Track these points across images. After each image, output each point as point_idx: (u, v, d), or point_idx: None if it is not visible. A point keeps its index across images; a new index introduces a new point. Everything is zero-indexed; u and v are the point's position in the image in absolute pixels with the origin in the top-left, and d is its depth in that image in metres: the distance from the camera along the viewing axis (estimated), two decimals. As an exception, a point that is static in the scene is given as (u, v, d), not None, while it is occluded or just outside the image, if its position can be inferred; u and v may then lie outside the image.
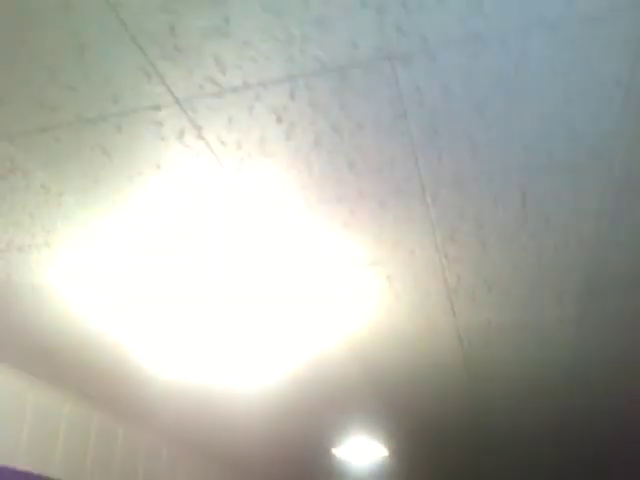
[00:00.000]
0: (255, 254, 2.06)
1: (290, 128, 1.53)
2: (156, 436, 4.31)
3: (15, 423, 3.10)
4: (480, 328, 2.63)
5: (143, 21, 1.25)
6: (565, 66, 1.37)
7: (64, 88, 1.42)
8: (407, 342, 2.76)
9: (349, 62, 1.35)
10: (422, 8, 1.23)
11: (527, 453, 4.79)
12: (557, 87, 1.43)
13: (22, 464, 3.11)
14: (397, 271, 2.22)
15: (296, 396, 3.48)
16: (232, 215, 1.86)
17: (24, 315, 2.52)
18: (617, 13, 1.25)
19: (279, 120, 1.51)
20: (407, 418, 3.92)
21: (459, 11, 1.23)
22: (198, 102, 1.46)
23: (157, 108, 1.48)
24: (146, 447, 4.21)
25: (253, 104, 1.46)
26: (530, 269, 2.17)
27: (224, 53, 1.33)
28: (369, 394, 3.41)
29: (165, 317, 1.98)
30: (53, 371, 3.12)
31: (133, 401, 3.52)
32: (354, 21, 1.25)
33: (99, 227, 1.93)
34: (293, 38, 1.29)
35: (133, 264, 2.10)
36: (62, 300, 2.38)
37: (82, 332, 2.62)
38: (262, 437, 4.46)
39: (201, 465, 4.92)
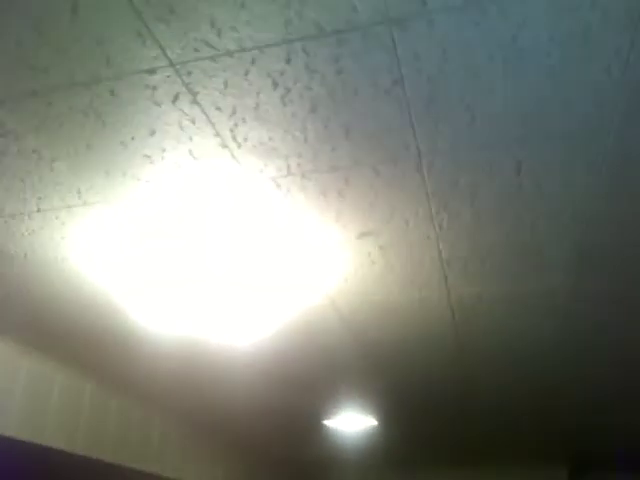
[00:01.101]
0: (248, 220, 2.05)
1: (286, 93, 1.51)
2: (149, 406, 4.34)
3: (6, 392, 3.10)
4: (472, 299, 2.64)
5: (137, -19, 1.22)
6: (564, 34, 1.36)
7: (55, 50, 1.40)
8: (399, 313, 2.77)
9: (347, 26, 1.33)
10: (422, -29, 1.21)
11: (513, 421, 4.86)
12: (555, 56, 1.41)
13: (14, 433, 3.12)
14: (391, 241, 2.21)
15: (286, 367, 3.50)
16: (226, 180, 1.85)
17: (17, 283, 2.51)
18: (618, -21, 1.23)
19: (275, 85, 1.49)
20: (397, 388, 3.95)
21: (459, -26, 1.22)
22: (193, 66, 1.43)
23: (151, 72, 1.45)
24: (139, 417, 4.24)
25: (249, 68, 1.44)
26: (523, 239, 2.18)
27: (220, 15, 1.30)
28: (360, 364, 3.43)
29: (157, 279, 1.98)
30: (45, 340, 3.12)
31: (126, 370, 3.54)
32: (353, -17, 1.23)
33: (91, 194, 1.91)
34: (290, 1, 1.26)
35: (126, 229, 2.09)
36: (54, 267, 2.37)
37: (75, 299, 2.61)
38: (253, 408, 4.50)
39: (193, 435, 4.97)
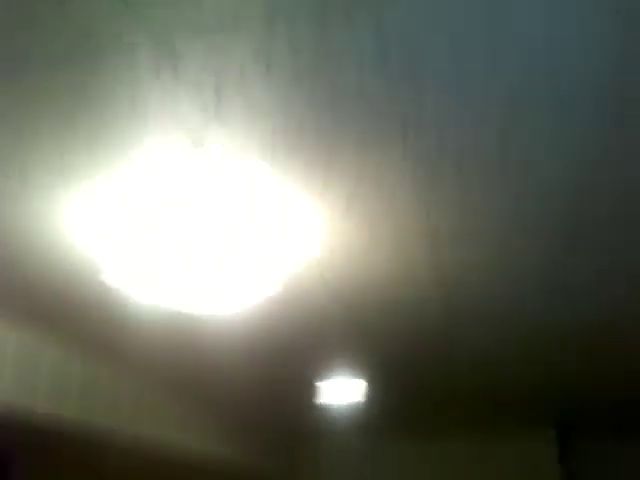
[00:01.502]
0: (234, 190, 2.04)
1: (269, 67, 1.50)
2: (139, 376, 4.37)
3: None
4: (458, 267, 2.66)
5: (115, -52, 1.20)
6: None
7: (34, 24, 1.37)
8: (385, 282, 2.79)
9: (330, -5, 1.31)
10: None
11: (500, 385, 4.95)
12: (540, 18, 1.40)
13: (4, 401, 3.12)
14: (377, 210, 2.22)
15: (272, 334, 3.53)
16: (211, 152, 1.83)
17: (3, 256, 2.50)
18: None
19: (257, 59, 1.47)
20: (383, 354, 4.00)
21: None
22: (175, 40, 1.41)
23: (132, 46, 1.43)
24: (130, 389, 4.27)
25: (231, 42, 1.42)
26: (510, 207, 2.19)
27: (201, -16, 1.28)
28: (348, 331, 3.46)
29: (143, 250, 1.98)
30: (33, 311, 3.12)
31: (115, 341, 3.55)
32: (336, -49, 1.21)
33: (75, 169, 1.90)
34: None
35: (111, 202, 2.07)
36: (41, 240, 2.36)
37: (63, 269, 2.61)
38: (240, 376, 4.55)
39: (182, 404, 5.02)
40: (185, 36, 1.40)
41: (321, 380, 4.67)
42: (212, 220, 2.10)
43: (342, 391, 4.93)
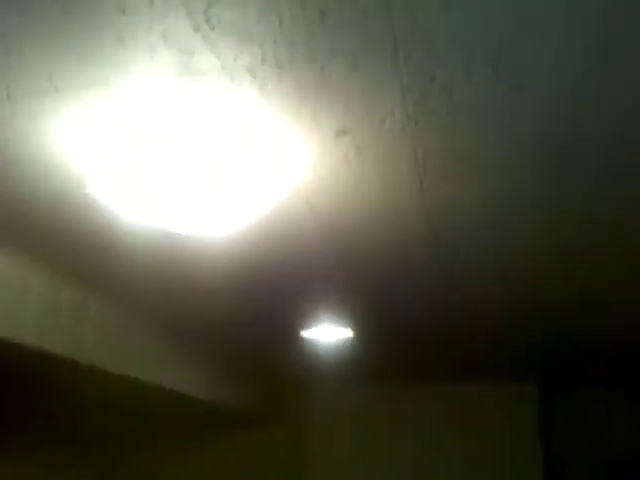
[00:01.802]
0: (223, 111, 2.03)
1: (260, -30, 1.48)
2: (128, 310, 4.40)
3: None
4: (448, 204, 2.67)
5: None
6: None
7: None
8: (375, 217, 2.80)
9: None
10: None
11: (489, 334, 5.01)
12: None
13: None
14: (367, 142, 2.21)
15: (262, 273, 3.55)
16: (200, 68, 1.82)
17: (-11, 177, 2.49)
18: None
19: (249, -39, 1.45)
20: (373, 297, 4.04)
21: None
22: (163, -64, 1.38)
23: (120, -59, 1.40)
24: (119, 325, 4.29)
25: (221, -59, 1.39)
26: (502, 140, 2.18)
27: None
28: (335, 271, 3.49)
29: (132, 170, 1.98)
30: (19, 237, 3.12)
31: (104, 268, 3.56)
32: None
33: (63, 79, 1.88)
34: None
35: (99, 118, 2.06)
36: (27, 161, 2.34)
37: (48, 194, 2.60)
38: (230, 317, 4.59)
39: (172, 343, 5.07)
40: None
41: (311, 324, 4.72)
42: (201, 145, 2.09)
43: (332, 335, 4.99)
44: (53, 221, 2.87)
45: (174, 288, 3.87)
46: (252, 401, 6.74)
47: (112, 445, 7.10)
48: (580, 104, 1.98)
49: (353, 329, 4.86)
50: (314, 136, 2.16)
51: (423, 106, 2.00)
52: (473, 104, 1.98)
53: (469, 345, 5.40)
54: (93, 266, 3.49)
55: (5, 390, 5.33)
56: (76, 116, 2.06)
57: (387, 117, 2.07)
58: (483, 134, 2.16)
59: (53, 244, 3.18)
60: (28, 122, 2.10)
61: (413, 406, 6.98)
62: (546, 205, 2.67)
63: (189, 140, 2.12)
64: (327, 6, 1.58)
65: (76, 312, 3.82)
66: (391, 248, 3.14)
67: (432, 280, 3.62)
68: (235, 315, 4.54)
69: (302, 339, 5.17)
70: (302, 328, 4.84)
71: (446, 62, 1.79)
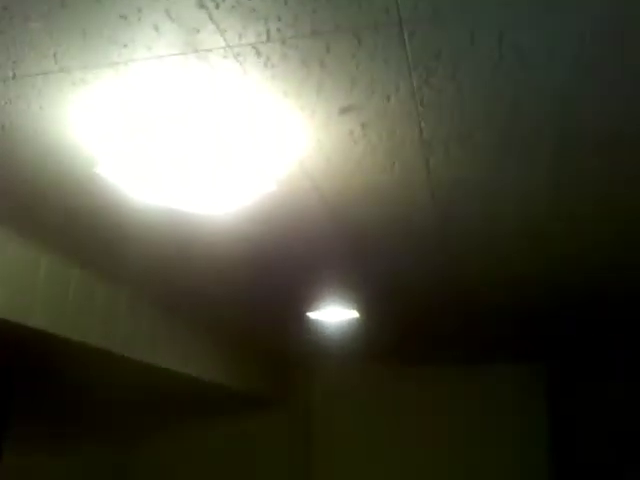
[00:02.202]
0: (228, 89, 2.03)
1: (264, -55, 1.47)
2: (136, 292, 4.42)
3: None
4: (453, 183, 2.67)
5: None
6: None
7: None
8: (380, 196, 2.80)
9: None
10: None
11: (495, 313, 5.03)
12: None
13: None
14: (372, 119, 2.21)
15: (268, 254, 3.57)
16: (205, 46, 1.81)
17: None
18: None
19: None
20: (379, 277, 4.05)
21: None
22: None
23: None
24: (126, 307, 4.31)
25: None
26: (506, 117, 2.18)
27: None
28: (340, 250, 3.50)
29: (138, 150, 1.98)
30: (27, 219, 3.14)
31: (111, 251, 3.58)
32: None
33: (68, 58, 1.88)
34: None
35: (105, 98, 2.06)
36: (33, 141, 2.35)
37: (56, 174, 2.61)
38: (236, 299, 4.61)
39: (180, 325, 5.10)
40: None
41: (316, 305, 4.75)
42: (205, 123, 2.09)
43: (337, 315, 5.01)
44: (58, 201, 2.88)
45: (181, 269, 3.89)
46: (258, 382, 6.80)
47: (118, 430, 7.16)
48: (584, 81, 1.97)
49: (359, 310, 4.88)
50: (319, 114, 2.16)
51: (428, 83, 2.00)
52: (478, 81, 1.98)
53: (475, 324, 5.41)
54: (100, 248, 3.50)
55: (22, 377, 5.39)
56: (82, 96, 2.06)
57: (392, 94, 2.07)
58: (488, 111, 2.15)
59: (58, 225, 3.19)
60: (34, 103, 2.11)
61: (418, 385, 7.02)
62: (551, 180, 2.67)
63: (193, 118, 2.12)
64: (332, -18, 1.57)
65: (83, 294, 3.84)
66: (396, 225, 3.15)
67: (438, 257, 3.62)
68: (241, 296, 4.56)
69: (308, 320, 5.20)
70: (308, 309, 4.86)
71: (451, 38, 1.78)
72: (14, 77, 1.97)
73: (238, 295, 4.53)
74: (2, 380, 5.22)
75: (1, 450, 5.17)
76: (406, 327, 5.55)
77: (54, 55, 1.87)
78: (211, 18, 1.71)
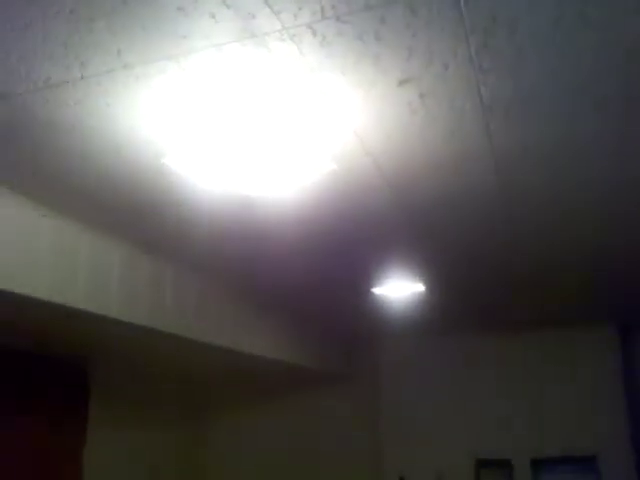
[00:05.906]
0: (286, 70, 2.05)
1: None
2: (203, 277, 4.52)
3: (32, 252, 3.08)
4: (516, 148, 2.62)
5: None
6: None
7: None
8: (442, 169, 2.78)
9: None
10: None
11: (560, 281, 4.93)
12: None
13: (42, 294, 3.11)
14: (431, 88, 2.19)
15: (332, 234, 3.59)
16: (262, 30, 1.84)
17: (66, 157, 2.60)
18: None
19: None
20: (443, 251, 4.03)
21: None
22: None
23: None
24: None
25: None
26: (569, 77, 2.12)
27: None
28: (404, 226, 3.50)
29: (202, 139, 2.04)
30: (99, 213, 3.26)
31: (178, 239, 3.68)
32: None
33: (130, 54, 1.94)
34: None
35: (167, 91, 2.12)
36: (102, 138, 2.44)
37: (125, 169, 2.70)
38: (300, 278, 4.67)
39: (245, 306, 5.20)
40: None
41: (380, 280, 4.76)
42: (266, 108, 2.13)
43: (402, 290, 5.01)
44: (128, 194, 2.98)
45: (246, 253, 3.97)
46: (329, 360, 6.89)
47: (187, 409, 7.39)
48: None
49: (424, 283, 4.87)
50: (377, 87, 2.16)
51: (486, 47, 1.97)
52: (537, 42, 1.93)
53: (541, 291, 5.31)
54: (169, 234, 3.61)
55: (95, 366, 5.62)
56: (146, 90, 2.13)
57: (450, 62, 2.05)
58: (548, 72, 2.11)
59: (128, 217, 3.31)
60: (101, 101, 2.18)
61: (484, 354, 6.96)
62: (614, 142, 2.59)
63: (253, 104, 2.16)
64: (384, -47, 1.57)
65: (154, 281, 3.97)
66: (458, 195, 3.12)
67: (501, 226, 3.58)
68: (306, 276, 4.61)
69: (373, 296, 5.21)
70: (373, 285, 4.88)
71: (509, 4, 1.75)
72: (82, 78, 2.05)
73: (304, 275, 4.58)
74: (79, 368, 5.46)
75: (85, 432, 5.43)
76: (471, 297, 5.50)
77: (118, 52, 1.93)
78: (266, 2, 1.73)
